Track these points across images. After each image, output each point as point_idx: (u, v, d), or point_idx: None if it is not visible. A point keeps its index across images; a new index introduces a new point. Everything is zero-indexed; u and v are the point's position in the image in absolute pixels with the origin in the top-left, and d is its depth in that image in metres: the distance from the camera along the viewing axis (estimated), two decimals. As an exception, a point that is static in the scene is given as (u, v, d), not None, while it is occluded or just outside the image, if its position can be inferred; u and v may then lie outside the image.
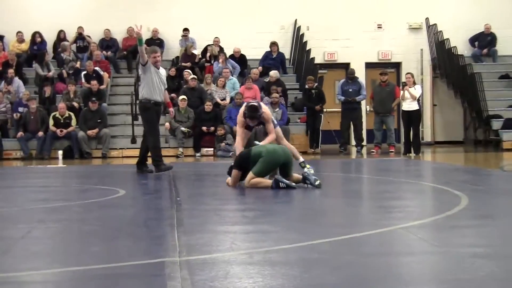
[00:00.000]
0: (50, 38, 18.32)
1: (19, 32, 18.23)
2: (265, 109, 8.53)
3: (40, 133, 15.30)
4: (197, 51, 18.09)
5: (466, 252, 4.13)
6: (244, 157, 7.84)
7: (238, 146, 8.39)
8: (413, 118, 14.38)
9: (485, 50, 19.20)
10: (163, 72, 10.16)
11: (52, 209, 6.54)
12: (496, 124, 17.06)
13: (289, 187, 7.43)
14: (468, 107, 18.56)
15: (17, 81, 16.63)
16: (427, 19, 19.31)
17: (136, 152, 15.31)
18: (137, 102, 10.20)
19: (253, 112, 8.35)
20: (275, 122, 8.75)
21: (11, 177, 11.05)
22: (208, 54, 17.86)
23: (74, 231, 5.26)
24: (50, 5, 18.74)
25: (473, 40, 19.39)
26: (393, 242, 4.61)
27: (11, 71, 16.62)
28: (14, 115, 15.70)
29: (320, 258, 4.03)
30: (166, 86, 10.21)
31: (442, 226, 5.16)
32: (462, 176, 9.82)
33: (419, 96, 14.60)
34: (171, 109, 10.75)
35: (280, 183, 7.47)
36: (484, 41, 19.27)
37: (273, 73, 16.83)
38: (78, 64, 17.45)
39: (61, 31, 18.34)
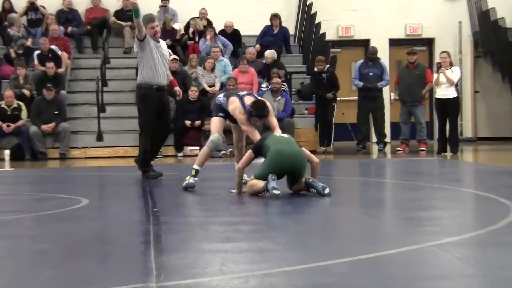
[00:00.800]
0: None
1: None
2: (266, 101, 8.63)
3: (-18, 129, 15.32)
4: (179, 26, 18.09)
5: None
6: (258, 146, 7.98)
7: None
8: (450, 108, 14.40)
9: (540, 23, 19.26)
10: (164, 45, 10.24)
11: (-3, 223, 6.55)
12: (554, 116, 17.12)
13: (274, 194, 7.44)
14: (519, 94, 18.61)
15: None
16: (467, -16, 19.36)
17: (102, 152, 15.58)
18: (136, 87, 10.18)
19: (263, 110, 8.34)
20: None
21: None
22: (191, 30, 17.86)
23: (25, 250, 5.26)
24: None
25: (525, 10, 19.45)
26: (423, 263, 4.62)
27: None
28: (-51, 105, 15.72)
29: (332, 282, 4.03)
30: (168, 61, 10.36)
31: (485, 243, 5.18)
32: (511, 181, 9.84)
33: (457, 81, 14.61)
34: (177, 88, 10.67)
35: (269, 189, 7.51)
36: (539, 11, 19.33)
37: (269, 53, 16.84)
38: (29, 42, 17.44)
39: (6, 0, 18.31)
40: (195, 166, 8.65)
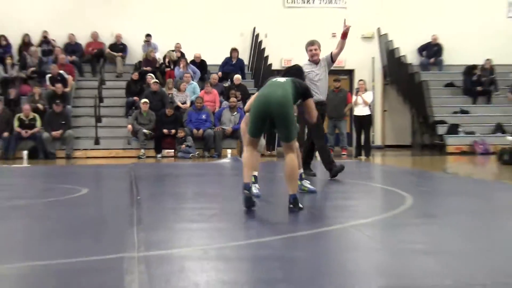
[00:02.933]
0: (15, 42, 18.04)
1: (-16, 35, 17.93)
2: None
3: (6, 134, 15.07)
4: (158, 56, 18.01)
5: (407, 248, 4.22)
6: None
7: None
8: (365, 123, 14.53)
9: (432, 59, 19.52)
10: (322, 64, 9.44)
11: (15, 206, 6.47)
12: (441, 130, 17.36)
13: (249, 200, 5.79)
14: (415, 113, 18.83)
15: (-18, 83, 16.33)
16: (378, 29, 19.55)
17: (99, 153, 15.43)
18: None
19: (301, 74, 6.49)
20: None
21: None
22: (167, 59, 17.78)
23: (35, 228, 5.21)
24: (15, 9, 18.44)
25: (421, 50, 19.70)
26: (342, 240, 4.68)
27: (-24, 73, 16.32)
28: (-21, 115, 15.42)
29: (272, 254, 4.07)
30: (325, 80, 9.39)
31: (388, 224, 5.25)
32: (408, 178, 9.99)
33: (371, 102, 14.76)
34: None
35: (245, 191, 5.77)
36: (431, 51, 19.58)
37: (237, 77, 16.92)
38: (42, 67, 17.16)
39: (26, 34, 18.05)
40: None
